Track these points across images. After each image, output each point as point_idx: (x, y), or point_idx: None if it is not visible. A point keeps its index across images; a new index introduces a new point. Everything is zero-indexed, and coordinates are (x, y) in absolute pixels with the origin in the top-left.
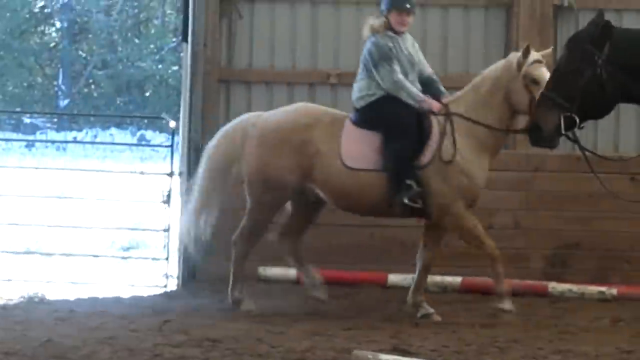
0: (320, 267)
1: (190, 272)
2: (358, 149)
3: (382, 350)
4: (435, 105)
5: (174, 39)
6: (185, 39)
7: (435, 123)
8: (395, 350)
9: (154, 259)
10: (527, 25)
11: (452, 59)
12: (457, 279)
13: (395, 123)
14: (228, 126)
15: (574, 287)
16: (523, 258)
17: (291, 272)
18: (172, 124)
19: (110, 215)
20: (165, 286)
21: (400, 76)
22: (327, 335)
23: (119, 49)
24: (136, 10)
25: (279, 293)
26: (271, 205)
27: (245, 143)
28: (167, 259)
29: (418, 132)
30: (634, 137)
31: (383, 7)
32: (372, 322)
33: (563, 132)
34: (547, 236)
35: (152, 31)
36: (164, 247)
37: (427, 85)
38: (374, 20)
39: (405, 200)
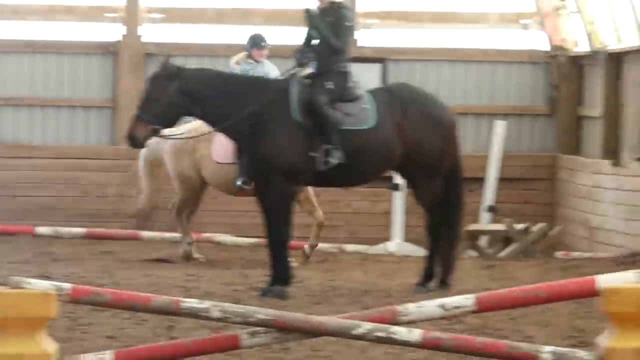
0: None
1: None
2: (223, 150)
3: (32, 277)
4: None
5: None
6: None
7: None
8: (40, 276)
9: None
10: (127, 67)
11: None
12: (82, 230)
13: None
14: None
15: (157, 234)
16: (124, 214)
17: None
18: None
19: None
20: None
21: None
22: None
23: None
24: None
25: None
26: (187, 191)
27: (162, 153)
28: None
29: None
30: None
31: (248, 46)
32: (27, 259)
33: (151, 138)
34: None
35: None
36: None
37: None
38: (237, 56)
39: (239, 183)
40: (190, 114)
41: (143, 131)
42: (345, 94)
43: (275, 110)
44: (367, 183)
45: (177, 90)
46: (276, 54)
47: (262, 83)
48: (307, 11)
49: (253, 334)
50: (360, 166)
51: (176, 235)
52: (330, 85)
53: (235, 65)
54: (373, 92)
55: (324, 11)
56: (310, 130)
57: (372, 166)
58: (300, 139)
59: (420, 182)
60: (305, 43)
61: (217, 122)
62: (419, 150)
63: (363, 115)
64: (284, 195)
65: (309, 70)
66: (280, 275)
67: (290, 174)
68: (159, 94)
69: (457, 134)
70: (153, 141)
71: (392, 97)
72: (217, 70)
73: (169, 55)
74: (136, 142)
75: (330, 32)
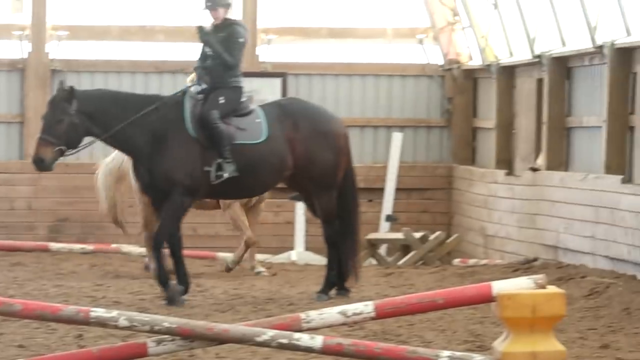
0: None
1: None
2: None
3: None
4: None
5: None
6: None
7: None
8: None
9: None
10: (35, 83)
11: None
12: None
13: None
14: (110, 157)
15: (66, 245)
16: (33, 227)
17: None
18: None
19: None
20: None
21: None
22: None
23: None
24: None
25: None
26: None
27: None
28: None
29: None
30: None
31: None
32: None
33: (57, 159)
34: (48, 213)
35: None
36: None
37: None
38: (191, 75)
39: None
40: (91, 134)
41: (49, 153)
42: (238, 109)
43: (171, 125)
44: (259, 195)
45: (77, 111)
46: (180, 69)
47: (156, 100)
48: (199, 28)
49: (160, 342)
50: (253, 179)
51: (85, 246)
52: (222, 100)
53: (189, 83)
54: (265, 107)
55: (217, 27)
56: (205, 145)
57: (264, 179)
58: (196, 153)
59: (315, 194)
60: (200, 59)
61: (115, 142)
62: (311, 164)
63: (255, 129)
64: (181, 207)
65: (203, 85)
66: (182, 279)
67: (189, 187)
68: (59, 116)
69: (349, 146)
70: (115, 156)
71: (283, 111)
72: (112, 90)
73: (62, 80)
74: (43, 165)
75: (222, 47)
